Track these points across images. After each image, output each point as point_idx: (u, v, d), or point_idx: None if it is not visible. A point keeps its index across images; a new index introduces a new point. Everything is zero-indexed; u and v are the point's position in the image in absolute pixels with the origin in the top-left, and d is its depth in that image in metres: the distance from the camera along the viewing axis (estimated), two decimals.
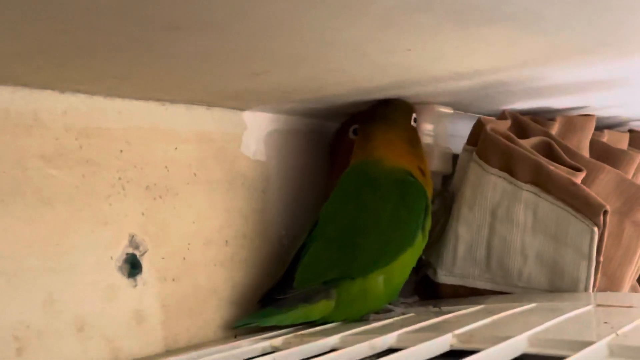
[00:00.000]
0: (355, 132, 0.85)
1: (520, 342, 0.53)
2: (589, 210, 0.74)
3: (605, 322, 0.60)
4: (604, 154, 0.95)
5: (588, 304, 0.68)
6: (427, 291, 0.87)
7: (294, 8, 0.43)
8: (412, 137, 0.79)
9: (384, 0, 0.43)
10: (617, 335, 0.53)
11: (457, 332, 0.57)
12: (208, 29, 0.45)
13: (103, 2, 0.38)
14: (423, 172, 0.77)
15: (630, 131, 1.13)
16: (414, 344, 0.54)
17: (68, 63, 0.51)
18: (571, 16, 0.51)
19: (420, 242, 0.74)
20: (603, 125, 1.10)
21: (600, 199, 0.74)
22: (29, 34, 0.43)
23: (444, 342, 0.55)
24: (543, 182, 0.76)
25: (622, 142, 1.07)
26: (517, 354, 0.52)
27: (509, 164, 0.78)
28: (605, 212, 0.73)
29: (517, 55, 0.63)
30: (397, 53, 0.57)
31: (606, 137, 1.04)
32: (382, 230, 0.73)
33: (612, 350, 0.50)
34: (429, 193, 0.77)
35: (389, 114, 0.79)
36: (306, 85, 0.68)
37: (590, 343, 0.49)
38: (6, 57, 0.48)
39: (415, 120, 0.79)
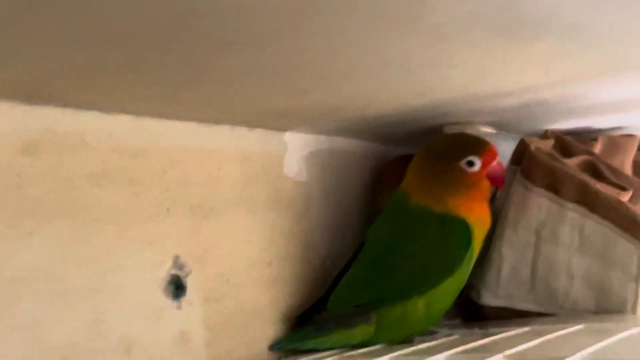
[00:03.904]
0: None
1: None
2: (636, 229, 0.73)
3: None
4: None
5: (637, 325, 0.67)
6: (470, 313, 0.86)
7: (342, 24, 0.43)
8: (454, 179, 0.74)
9: (433, 16, 0.43)
10: None
11: (507, 352, 0.57)
12: (259, 44, 0.45)
13: (155, 17, 0.38)
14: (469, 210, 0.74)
15: None
16: None
17: (115, 82, 0.52)
18: (625, 28, 0.50)
19: (462, 272, 0.73)
20: None
21: None
22: (80, 52, 0.43)
23: None
24: (589, 202, 0.75)
25: None
26: None
27: (554, 183, 0.77)
28: None
29: (563, 71, 0.62)
30: (443, 69, 0.57)
31: None
32: (418, 260, 0.73)
33: None
34: (480, 230, 0.75)
35: (434, 149, 0.77)
36: (350, 104, 0.68)
37: None
38: (54, 76, 0.48)
39: (470, 164, 0.73)
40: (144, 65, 0.47)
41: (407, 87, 0.62)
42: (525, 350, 0.58)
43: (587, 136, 0.94)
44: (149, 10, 0.36)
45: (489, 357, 0.55)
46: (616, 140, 0.93)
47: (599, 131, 0.96)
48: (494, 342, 0.65)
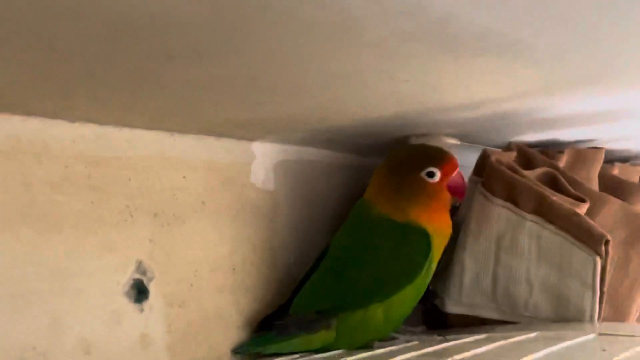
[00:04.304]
0: None
1: None
2: (590, 240, 0.75)
3: (604, 350, 0.61)
4: (613, 186, 0.96)
5: (591, 333, 0.69)
6: (435, 321, 0.88)
7: (280, 40, 0.44)
8: (415, 189, 0.76)
9: (370, 33, 0.44)
10: None
11: (457, 357, 0.58)
12: (203, 59, 0.47)
13: (96, 31, 0.39)
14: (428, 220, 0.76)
15: None
16: None
17: (72, 92, 0.53)
18: (562, 47, 0.52)
19: (422, 280, 0.75)
20: (614, 159, 1.10)
21: (601, 229, 0.74)
22: (30, 62, 0.45)
23: None
24: (546, 212, 0.77)
25: (633, 175, 1.07)
26: None
27: (513, 195, 0.79)
28: (607, 242, 0.74)
29: (515, 86, 0.64)
30: (395, 83, 0.59)
31: (617, 170, 1.04)
32: (379, 267, 0.75)
33: None
34: (439, 239, 0.77)
35: (396, 159, 0.80)
36: (310, 115, 0.69)
37: None
38: (12, 85, 0.50)
39: (430, 175, 0.76)
40: (96, 77, 0.49)
41: (362, 99, 0.64)
42: (475, 356, 0.60)
43: (554, 149, 0.96)
44: (91, 24, 0.38)
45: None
46: (582, 153, 0.95)
47: (566, 144, 0.98)
48: (448, 348, 0.67)
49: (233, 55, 0.47)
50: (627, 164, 1.10)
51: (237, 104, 0.62)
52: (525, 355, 0.57)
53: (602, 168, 0.97)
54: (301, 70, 0.52)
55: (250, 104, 0.62)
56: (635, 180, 1.06)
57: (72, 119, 0.62)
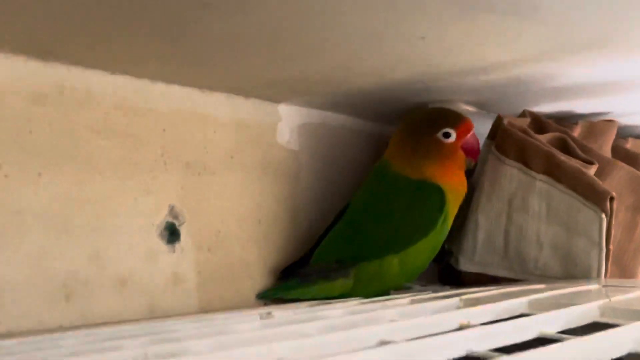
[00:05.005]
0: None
1: (520, 304, 0.58)
2: (596, 197, 0.78)
3: (604, 294, 0.64)
4: (625, 159, 0.98)
5: (595, 285, 0.72)
6: (450, 279, 0.92)
7: None
8: (431, 149, 0.81)
9: None
10: (610, 301, 0.57)
11: (464, 297, 0.62)
12: (235, 8, 0.52)
13: None
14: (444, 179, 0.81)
15: None
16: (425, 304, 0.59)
17: (112, 40, 0.59)
18: (565, 5, 0.56)
19: (436, 235, 0.80)
20: (629, 134, 1.13)
21: (605, 187, 0.77)
22: (72, 11, 0.50)
23: (454, 302, 0.60)
24: (554, 172, 0.80)
25: None
26: (515, 313, 0.57)
27: (524, 155, 0.83)
28: (612, 199, 0.77)
29: (524, 48, 0.67)
30: (411, 40, 0.63)
31: (630, 144, 1.07)
32: (394, 221, 0.80)
33: (603, 312, 0.55)
34: (454, 196, 0.82)
35: (414, 121, 0.84)
36: (333, 75, 0.74)
37: (583, 303, 0.54)
38: (57, 34, 0.56)
39: (446, 135, 0.81)
40: (133, 25, 0.54)
41: (381, 58, 0.68)
42: (482, 297, 0.64)
43: (568, 120, 0.99)
44: None
45: (447, 298, 0.61)
46: (596, 125, 0.98)
47: (580, 116, 1.00)
48: (458, 293, 0.71)
49: (266, 5, 0.51)
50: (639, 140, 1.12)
51: (264, 59, 0.66)
52: (529, 295, 0.61)
53: (615, 141, 1.00)
54: (322, 25, 0.57)
55: (276, 59, 0.66)
56: None
57: (112, 71, 0.68)
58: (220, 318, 0.58)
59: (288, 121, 0.86)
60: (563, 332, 0.49)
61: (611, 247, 0.79)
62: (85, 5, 0.49)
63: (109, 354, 0.38)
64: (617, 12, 0.58)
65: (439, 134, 0.80)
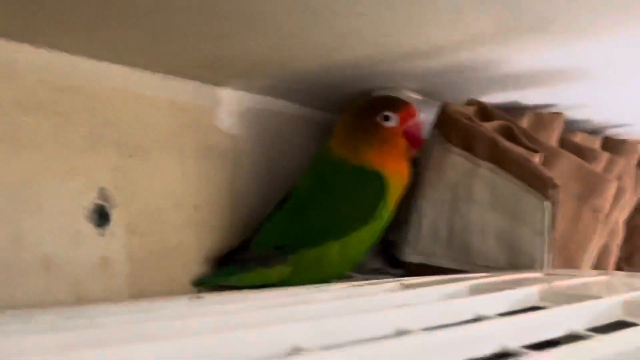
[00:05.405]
0: None
1: (460, 289, 0.57)
2: (540, 184, 0.77)
3: (545, 282, 0.63)
4: (572, 151, 0.98)
5: (538, 274, 0.71)
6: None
7: None
8: (371, 132, 0.79)
9: None
10: (550, 285, 0.56)
11: (404, 282, 0.61)
12: None
13: None
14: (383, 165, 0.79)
15: (606, 138, 1.15)
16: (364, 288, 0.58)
17: (33, 11, 0.56)
18: None
19: (377, 222, 0.78)
20: (577, 129, 1.13)
21: (549, 173, 0.77)
22: None
23: (394, 286, 0.59)
24: (499, 159, 0.79)
25: (594, 145, 1.09)
26: (458, 297, 0.55)
27: (469, 143, 0.82)
28: (555, 186, 0.76)
29: (467, 30, 0.66)
30: (350, 17, 0.61)
31: (579, 138, 1.07)
32: (334, 208, 0.78)
33: (543, 296, 0.54)
34: (395, 184, 0.79)
35: (356, 105, 0.83)
36: (271, 56, 0.72)
37: (523, 287, 0.53)
38: None
39: (386, 118, 0.79)
40: None
41: (320, 36, 0.66)
42: (421, 282, 0.63)
43: (515, 111, 0.98)
44: None
45: (387, 283, 0.60)
46: (542, 116, 0.97)
47: (527, 108, 1.00)
48: (399, 280, 0.69)
49: None
50: (588, 135, 1.12)
51: (195, 36, 0.64)
52: (467, 281, 0.60)
53: (563, 134, 0.99)
54: None
55: (208, 36, 0.64)
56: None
57: (39, 45, 0.65)
58: (146, 302, 0.56)
59: (228, 105, 0.84)
60: (502, 314, 0.48)
61: (556, 236, 0.78)
62: None
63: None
64: None
65: (379, 117, 0.78)
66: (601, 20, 0.64)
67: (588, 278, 0.65)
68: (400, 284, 0.60)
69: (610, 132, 1.20)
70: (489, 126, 0.84)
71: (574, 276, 0.69)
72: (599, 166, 0.99)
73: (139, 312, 0.43)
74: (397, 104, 0.79)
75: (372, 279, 0.77)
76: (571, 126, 1.08)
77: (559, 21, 0.65)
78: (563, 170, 0.87)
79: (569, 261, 0.87)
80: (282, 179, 0.91)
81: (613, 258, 0.99)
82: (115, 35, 0.63)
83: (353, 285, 0.60)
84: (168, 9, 0.57)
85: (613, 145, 1.10)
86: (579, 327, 0.45)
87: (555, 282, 0.58)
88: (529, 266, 0.80)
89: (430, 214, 0.85)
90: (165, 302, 0.52)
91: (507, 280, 0.64)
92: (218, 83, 0.82)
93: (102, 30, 0.62)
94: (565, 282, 0.60)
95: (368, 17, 0.62)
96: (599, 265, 0.96)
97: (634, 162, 1.07)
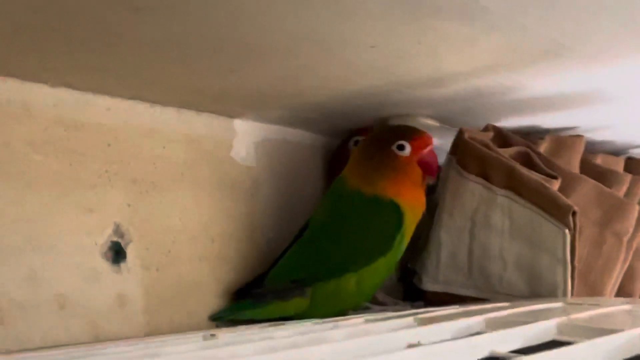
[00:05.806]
0: (355, 143, 0.89)
1: (477, 322, 0.56)
2: (558, 211, 0.75)
3: (566, 312, 0.62)
4: (595, 175, 0.96)
5: (560, 303, 0.70)
6: (414, 300, 0.89)
7: None
8: (385, 162, 0.78)
9: None
10: (569, 318, 0.55)
11: (420, 316, 0.60)
12: (170, 12, 0.49)
13: None
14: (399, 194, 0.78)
15: (629, 158, 1.14)
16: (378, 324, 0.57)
17: (46, 51, 0.56)
18: (516, 10, 0.54)
19: (394, 253, 0.77)
20: (599, 151, 1.11)
21: (568, 200, 0.75)
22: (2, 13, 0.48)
23: (408, 321, 0.58)
24: (516, 186, 0.78)
25: (616, 167, 1.08)
26: (473, 331, 0.54)
27: (485, 170, 0.81)
28: (574, 213, 0.75)
29: (480, 57, 0.65)
30: (361, 49, 0.61)
31: (600, 160, 1.05)
32: (352, 240, 0.77)
33: (561, 330, 0.53)
34: (411, 214, 0.78)
35: (371, 135, 0.82)
36: (284, 88, 0.72)
37: (541, 321, 0.52)
38: None
39: (400, 148, 0.77)
40: (66, 30, 0.52)
41: (332, 68, 0.66)
42: (437, 315, 0.62)
43: (535, 135, 0.97)
44: None
45: (401, 317, 0.59)
46: (563, 140, 0.96)
47: (547, 131, 0.99)
48: (415, 312, 0.68)
49: (199, 9, 0.49)
50: (610, 156, 1.11)
51: (208, 69, 0.64)
52: (489, 313, 0.59)
53: (584, 156, 0.98)
54: (264, 29, 0.55)
55: (221, 69, 0.64)
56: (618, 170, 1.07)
57: (52, 84, 0.65)
58: (159, 340, 0.55)
59: (244, 137, 0.84)
60: (518, 350, 0.47)
61: (577, 263, 0.77)
62: (13, 14, 0.47)
63: None
64: (572, 17, 0.56)
65: (394, 147, 0.77)
66: (617, 45, 0.64)
67: (610, 308, 0.63)
68: (415, 318, 0.59)
69: (634, 152, 1.18)
70: (506, 153, 0.83)
71: (595, 306, 0.68)
72: (622, 188, 0.97)
73: (147, 357, 0.42)
74: (410, 133, 0.78)
75: (389, 309, 0.77)
76: (593, 147, 1.07)
77: (574, 47, 0.64)
78: (583, 195, 0.85)
79: (592, 287, 0.86)
80: (299, 208, 0.90)
81: (639, 282, 0.97)
82: (129, 71, 0.63)
83: (367, 320, 0.59)
84: (181, 45, 0.57)
85: (636, 166, 1.08)
86: None
87: (573, 315, 0.57)
88: (550, 293, 0.79)
89: (448, 243, 0.84)
90: (177, 342, 0.52)
91: (525, 312, 0.62)
92: (233, 115, 0.82)
93: (115, 67, 0.62)
94: (585, 314, 0.59)
95: (379, 48, 0.61)
96: (624, 287, 0.94)
97: None
